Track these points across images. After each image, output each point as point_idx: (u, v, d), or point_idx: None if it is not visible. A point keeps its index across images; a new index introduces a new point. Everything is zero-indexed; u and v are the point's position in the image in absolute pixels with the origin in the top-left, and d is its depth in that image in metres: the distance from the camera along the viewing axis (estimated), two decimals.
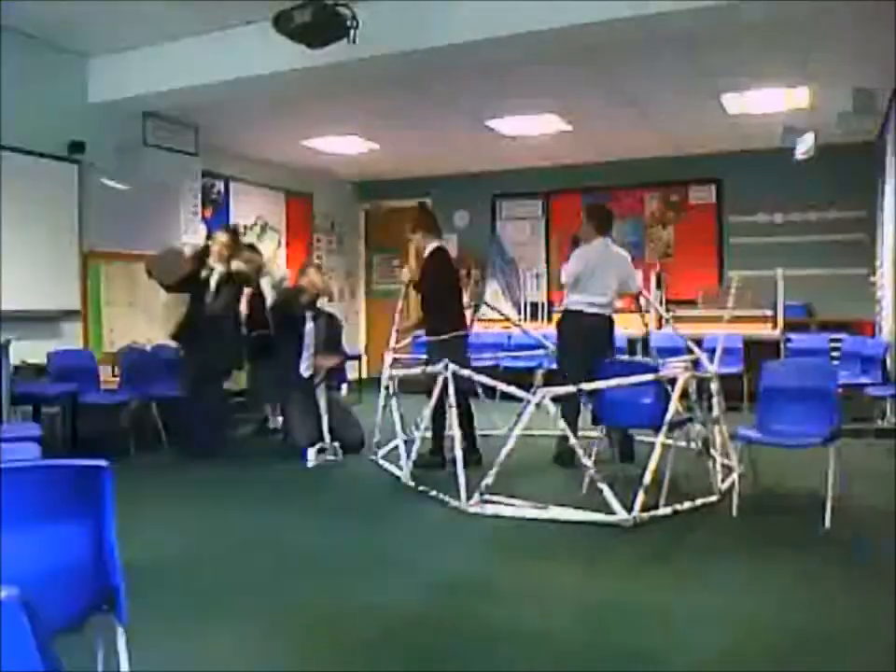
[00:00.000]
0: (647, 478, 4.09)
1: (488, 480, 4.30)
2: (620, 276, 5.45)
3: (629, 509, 3.98)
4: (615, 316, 5.54)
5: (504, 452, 4.33)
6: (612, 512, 4.00)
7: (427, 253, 5.39)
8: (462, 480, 4.39)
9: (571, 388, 4.45)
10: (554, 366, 6.50)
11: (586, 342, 5.29)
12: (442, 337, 5.19)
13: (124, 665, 1.71)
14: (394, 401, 5.40)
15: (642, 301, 6.08)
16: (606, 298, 5.37)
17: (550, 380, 6.21)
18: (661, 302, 8.69)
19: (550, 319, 9.53)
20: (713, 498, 4.34)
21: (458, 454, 4.56)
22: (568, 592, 3.16)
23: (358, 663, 2.57)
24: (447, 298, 5.39)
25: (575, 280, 5.40)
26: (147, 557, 3.37)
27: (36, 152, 6.06)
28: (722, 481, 4.50)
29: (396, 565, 3.49)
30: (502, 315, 6.66)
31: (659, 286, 9.07)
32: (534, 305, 10.03)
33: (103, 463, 1.71)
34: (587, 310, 5.36)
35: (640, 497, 4.02)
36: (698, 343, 5.71)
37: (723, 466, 4.65)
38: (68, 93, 6.41)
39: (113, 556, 1.72)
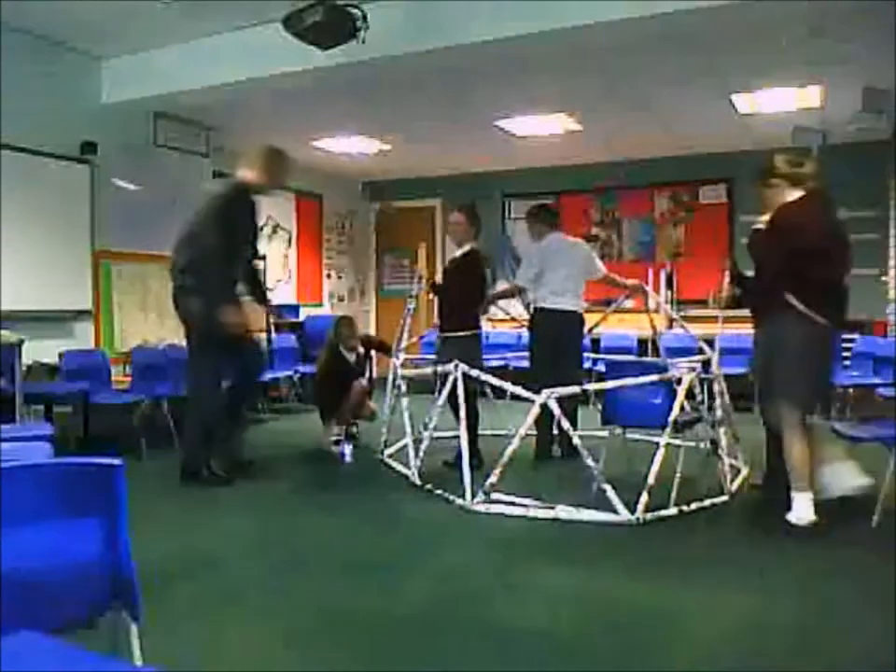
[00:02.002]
0: (651, 479, 4.09)
1: (493, 479, 4.31)
2: (579, 265, 5.53)
3: (634, 509, 4.00)
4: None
5: (508, 451, 4.35)
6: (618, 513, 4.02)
7: (459, 253, 5.40)
8: (467, 479, 4.41)
9: (576, 389, 4.46)
10: None
11: (555, 340, 5.37)
12: (460, 334, 5.19)
13: (137, 661, 1.73)
14: (404, 401, 5.40)
15: (651, 302, 6.07)
16: (570, 290, 5.42)
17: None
18: (671, 302, 8.67)
19: None
20: (723, 499, 4.33)
21: (465, 452, 4.57)
22: (572, 591, 3.16)
23: (365, 661, 2.58)
24: (471, 299, 5.40)
25: (535, 277, 5.46)
26: (159, 556, 3.39)
27: (49, 153, 6.11)
28: (731, 481, 4.50)
29: (401, 564, 3.50)
30: (508, 315, 6.66)
31: (670, 285, 9.05)
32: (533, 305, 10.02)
33: (116, 461, 1.73)
34: (555, 306, 5.40)
35: (644, 498, 4.03)
36: (710, 343, 5.69)
37: (731, 466, 4.65)
38: (81, 94, 6.46)
39: (126, 554, 1.73)
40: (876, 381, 6.53)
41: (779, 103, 6.93)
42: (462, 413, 4.73)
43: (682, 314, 6.91)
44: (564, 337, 5.40)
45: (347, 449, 5.60)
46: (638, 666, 2.53)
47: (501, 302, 6.33)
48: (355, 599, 3.08)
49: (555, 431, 5.16)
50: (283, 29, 4.81)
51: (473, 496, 4.31)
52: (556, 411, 4.39)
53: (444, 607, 3.02)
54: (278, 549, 3.73)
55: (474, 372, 4.78)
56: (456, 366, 4.77)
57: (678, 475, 4.21)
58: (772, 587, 3.18)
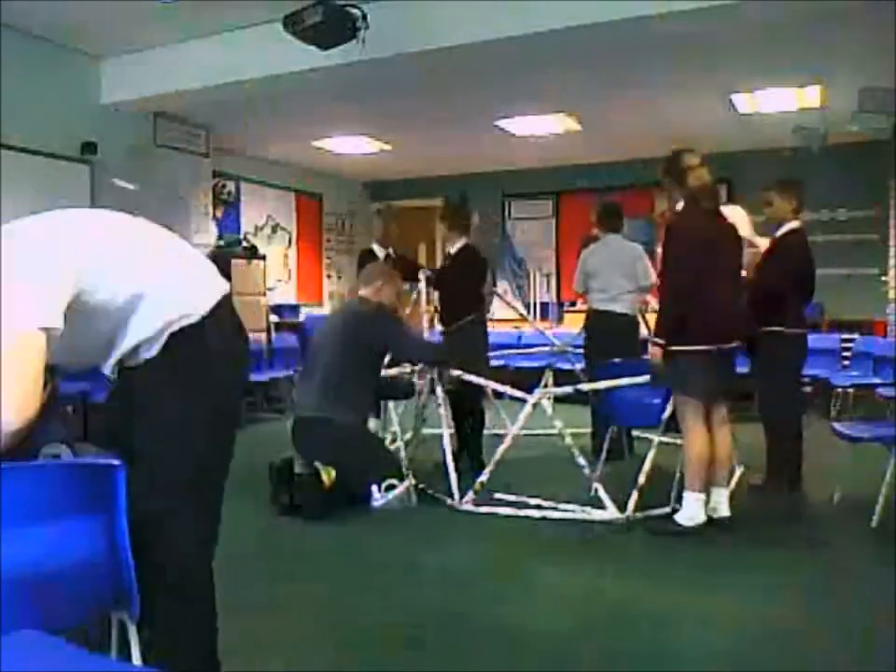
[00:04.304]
0: (641, 478, 4.10)
1: (482, 478, 4.31)
2: (628, 272, 5.39)
3: (633, 508, 4.01)
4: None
5: (500, 451, 4.35)
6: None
7: (454, 250, 5.35)
8: (454, 478, 4.41)
9: (569, 389, 4.46)
10: (565, 365, 6.51)
11: (607, 341, 5.21)
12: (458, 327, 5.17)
13: (137, 661, 1.73)
14: (391, 403, 5.40)
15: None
16: (617, 294, 5.32)
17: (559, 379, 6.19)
18: None
19: (560, 319, 9.53)
20: None
21: (448, 452, 4.57)
22: (562, 590, 3.16)
23: (364, 661, 2.58)
24: (468, 297, 5.30)
25: (583, 280, 5.42)
26: None
27: (49, 153, 6.11)
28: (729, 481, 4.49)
29: (397, 564, 3.50)
30: (517, 310, 6.66)
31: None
32: (544, 305, 10.04)
33: (116, 461, 1.72)
34: (602, 307, 5.35)
35: (634, 497, 4.04)
36: None
37: None
38: (80, 95, 6.46)
39: (126, 554, 1.73)
40: (876, 381, 6.53)
41: (779, 103, 6.93)
42: (447, 412, 4.74)
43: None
44: (615, 339, 5.19)
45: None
46: (633, 667, 2.53)
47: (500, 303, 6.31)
48: (353, 599, 3.08)
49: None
50: (283, 29, 4.81)
51: (462, 495, 4.32)
52: (549, 411, 4.41)
53: (440, 606, 3.02)
54: (276, 549, 3.74)
55: (471, 377, 4.75)
56: (437, 367, 4.77)
57: (677, 475, 4.21)
58: (769, 587, 3.17)
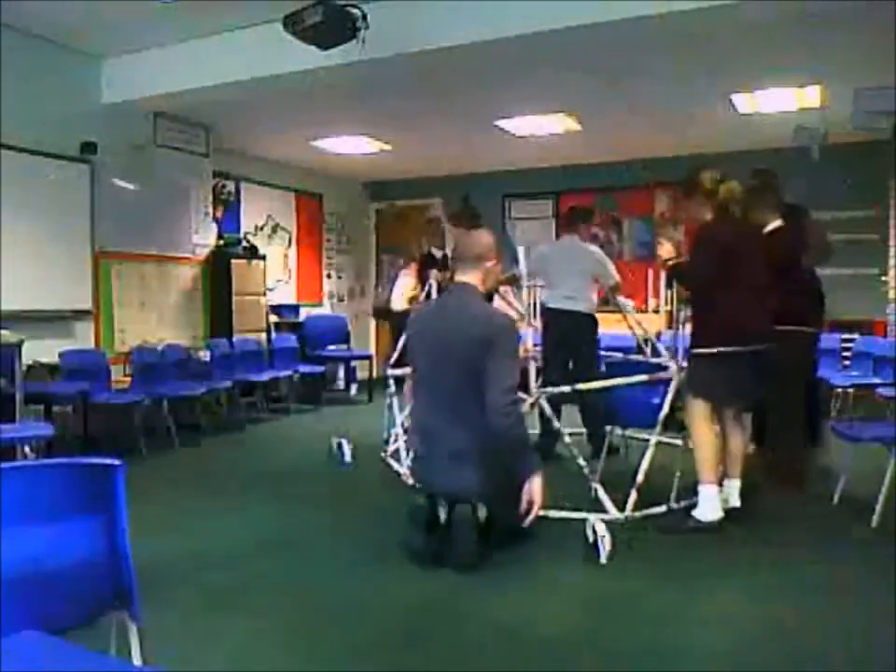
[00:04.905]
0: (640, 477, 4.09)
1: None
2: (586, 271, 5.57)
3: (631, 508, 4.01)
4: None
5: None
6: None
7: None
8: None
9: (566, 388, 4.47)
10: None
11: (557, 338, 5.39)
12: None
13: (137, 661, 1.73)
14: (395, 401, 5.41)
15: (619, 300, 6.05)
16: (571, 293, 5.47)
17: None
18: (672, 302, 8.68)
19: None
20: None
21: None
22: (561, 590, 3.17)
23: (366, 661, 2.58)
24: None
25: (531, 276, 5.53)
26: (159, 555, 3.40)
27: (49, 153, 6.11)
28: None
29: (396, 564, 3.50)
30: (517, 310, 6.65)
31: (670, 285, 9.03)
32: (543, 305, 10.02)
33: (116, 461, 1.72)
34: (554, 306, 5.51)
35: (632, 497, 4.04)
36: None
37: None
38: (81, 94, 6.46)
39: (126, 554, 1.73)
40: (876, 381, 6.53)
41: (779, 103, 6.93)
42: None
43: (685, 312, 6.90)
44: (567, 336, 5.40)
45: (347, 449, 5.60)
46: (633, 667, 2.53)
47: (498, 302, 6.30)
48: (353, 599, 3.08)
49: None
50: (283, 29, 4.81)
51: None
52: (548, 410, 4.41)
53: (439, 606, 3.02)
54: (277, 549, 3.74)
55: None
56: None
57: (678, 474, 4.21)
58: (769, 587, 3.18)
